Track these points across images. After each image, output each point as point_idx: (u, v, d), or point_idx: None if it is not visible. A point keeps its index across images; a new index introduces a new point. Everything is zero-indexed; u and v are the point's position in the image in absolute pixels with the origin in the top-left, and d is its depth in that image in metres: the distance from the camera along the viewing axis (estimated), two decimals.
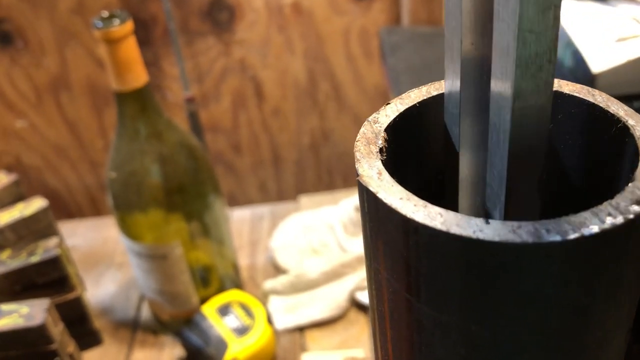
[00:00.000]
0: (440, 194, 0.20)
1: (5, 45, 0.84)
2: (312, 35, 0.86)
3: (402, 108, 0.20)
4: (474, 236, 0.15)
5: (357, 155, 0.18)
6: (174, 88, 0.88)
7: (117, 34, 0.53)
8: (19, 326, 0.44)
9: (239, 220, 0.85)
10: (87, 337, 0.56)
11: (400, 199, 0.16)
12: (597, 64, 0.43)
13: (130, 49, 0.55)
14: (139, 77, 0.56)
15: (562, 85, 0.19)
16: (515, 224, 0.15)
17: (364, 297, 0.69)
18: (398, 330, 0.19)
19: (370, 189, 0.17)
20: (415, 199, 0.16)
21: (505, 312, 0.16)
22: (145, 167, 0.60)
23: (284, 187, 0.99)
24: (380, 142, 0.19)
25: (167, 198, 0.61)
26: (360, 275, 0.71)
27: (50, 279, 0.50)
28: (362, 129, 0.19)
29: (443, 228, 0.15)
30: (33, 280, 0.50)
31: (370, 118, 0.20)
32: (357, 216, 0.77)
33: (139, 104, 0.57)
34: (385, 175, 0.17)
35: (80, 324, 0.55)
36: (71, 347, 0.49)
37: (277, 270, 0.76)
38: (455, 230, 0.15)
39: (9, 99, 0.88)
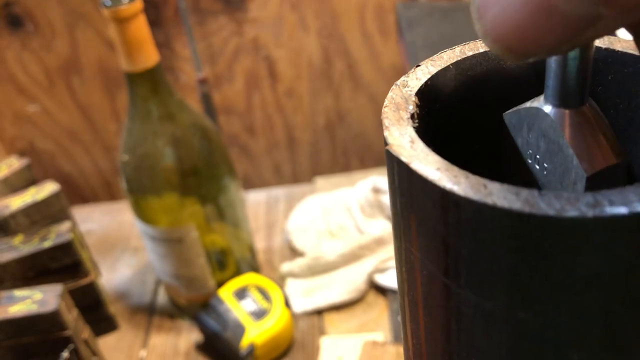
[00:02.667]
0: (478, 168, 0.18)
1: (15, 29, 0.83)
2: (326, 13, 0.84)
3: (433, 70, 0.18)
4: (525, 210, 0.13)
5: (386, 122, 0.16)
6: (186, 69, 0.87)
7: (126, 13, 0.52)
8: (32, 312, 0.43)
9: (255, 202, 0.84)
10: (102, 322, 0.55)
11: (438, 169, 0.15)
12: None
13: (140, 28, 0.53)
14: (149, 56, 0.55)
15: (614, 42, 0.17)
16: (572, 195, 0.13)
17: (382, 280, 0.68)
18: (433, 318, 0.17)
19: (402, 159, 0.15)
20: (455, 169, 0.14)
21: (559, 297, 0.14)
22: (159, 149, 0.58)
23: (299, 169, 0.97)
24: (412, 108, 0.17)
25: (181, 180, 0.60)
26: (378, 258, 0.69)
27: (63, 264, 0.50)
28: (390, 94, 0.17)
29: (489, 201, 0.13)
30: (46, 265, 0.49)
31: (398, 81, 0.18)
32: (374, 198, 0.75)
33: (150, 85, 0.56)
34: (419, 143, 0.16)
35: (95, 309, 0.54)
36: (86, 333, 0.48)
37: (294, 252, 0.75)
38: (503, 203, 0.13)
39: (20, 84, 0.87)
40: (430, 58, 0.18)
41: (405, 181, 0.16)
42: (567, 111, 0.17)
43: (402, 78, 0.18)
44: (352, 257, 0.70)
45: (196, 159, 0.60)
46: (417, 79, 0.18)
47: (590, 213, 0.13)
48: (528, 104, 0.18)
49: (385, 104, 0.17)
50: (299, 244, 0.75)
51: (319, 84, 0.89)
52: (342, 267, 0.70)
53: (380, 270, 0.69)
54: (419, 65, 0.18)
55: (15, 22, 0.82)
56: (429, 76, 0.18)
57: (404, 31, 0.69)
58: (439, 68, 0.18)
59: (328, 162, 0.97)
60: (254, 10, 0.83)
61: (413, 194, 0.15)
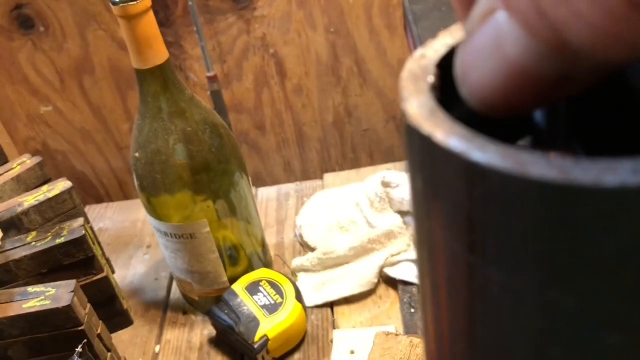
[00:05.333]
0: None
1: (26, 30, 0.84)
2: (333, 9, 0.84)
3: (451, 42, 0.17)
4: (559, 179, 0.12)
5: (404, 93, 0.15)
6: (196, 68, 0.87)
7: (135, 10, 0.52)
8: (46, 308, 0.44)
9: (265, 199, 0.85)
10: (116, 317, 0.56)
11: (462, 139, 0.13)
12: None
13: (149, 24, 0.54)
14: (159, 53, 0.55)
15: None
16: (611, 161, 0.12)
17: (393, 273, 0.68)
18: (456, 300, 0.16)
19: (423, 131, 0.14)
20: (480, 138, 0.13)
21: (596, 274, 0.13)
22: (169, 146, 0.59)
23: (308, 165, 0.98)
24: (431, 78, 0.16)
25: (192, 177, 0.60)
26: (389, 251, 0.70)
27: (76, 260, 0.50)
28: (407, 65, 0.16)
29: (519, 171, 0.12)
30: (59, 261, 0.50)
31: (416, 53, 0.17)
32: (383, 191, 0.75)
33: (160, 81, 0.57)
34: (440, 113, 0.14)
35: (108, 304, 0.54)
36: (99, 328, 0.49)
37: (305, 247, 0.75)
38: (535, 172, 0.12)
39: (33, 85, 0.88)
40: (448, 29, 0.17)
41: (426, 155, 0.15)
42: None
43: (419, 50, 0.17)
44: (362, 251, 0.70)
45: (207, 154, 0.60)
46: (435, 50, 0.17)
47: (631, 180, 0.12)
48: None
49: (403, 74, 0.16)
50: (309, 239, 0.75)
51: (326, 80, 0.90)
52: (352, 260, 0.70)
53: (391, 263, 0.69)
54: (436, 37, 0.17)
55: (26, 24, 0.83)
56: (447, 48, 0.17)
57: (411, 25, 0.69)
58: (458, 40, 0.17)
59: (337, 158, 0.97)
60: (261, 8, 0.83)
61: (435, 169, 0.14)
